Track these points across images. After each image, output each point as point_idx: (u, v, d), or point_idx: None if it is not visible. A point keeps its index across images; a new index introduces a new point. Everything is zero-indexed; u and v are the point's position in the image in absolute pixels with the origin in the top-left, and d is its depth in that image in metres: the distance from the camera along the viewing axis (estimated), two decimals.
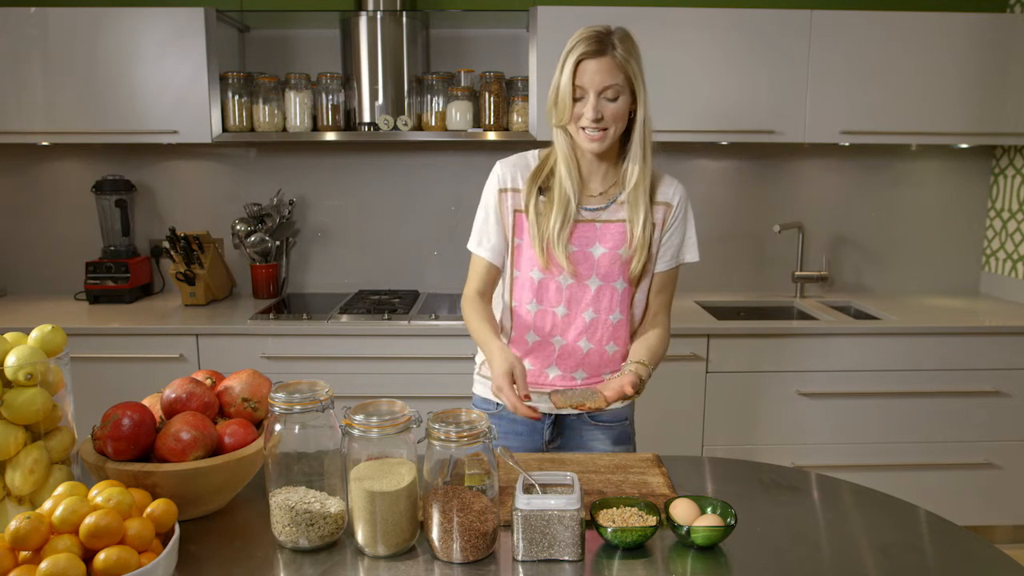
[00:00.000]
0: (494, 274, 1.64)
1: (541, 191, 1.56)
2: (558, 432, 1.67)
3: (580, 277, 1.56)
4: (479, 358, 1.73)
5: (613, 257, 1.55)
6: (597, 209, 1.56)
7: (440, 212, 3.11)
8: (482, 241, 1.62)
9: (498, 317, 1.66)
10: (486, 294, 1.64)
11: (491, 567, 1.09)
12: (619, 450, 1.67)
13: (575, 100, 1.46)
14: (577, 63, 1.45)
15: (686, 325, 2.57)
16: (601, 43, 1.44)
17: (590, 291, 1.57)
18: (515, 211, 1.58)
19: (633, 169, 1.52)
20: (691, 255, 1.64)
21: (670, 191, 1.59)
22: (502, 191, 1.59)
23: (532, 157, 1.61)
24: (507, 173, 1.59)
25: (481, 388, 1.71)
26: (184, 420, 1.18)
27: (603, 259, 1.55)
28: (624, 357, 1.63)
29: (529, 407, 1.38)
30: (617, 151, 1.56)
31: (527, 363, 1.61)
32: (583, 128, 1.48)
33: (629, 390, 1.40)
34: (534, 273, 1.57)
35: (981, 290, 3.20)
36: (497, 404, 1.67)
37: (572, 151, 1.54)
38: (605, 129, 1.47)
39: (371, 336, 2.57)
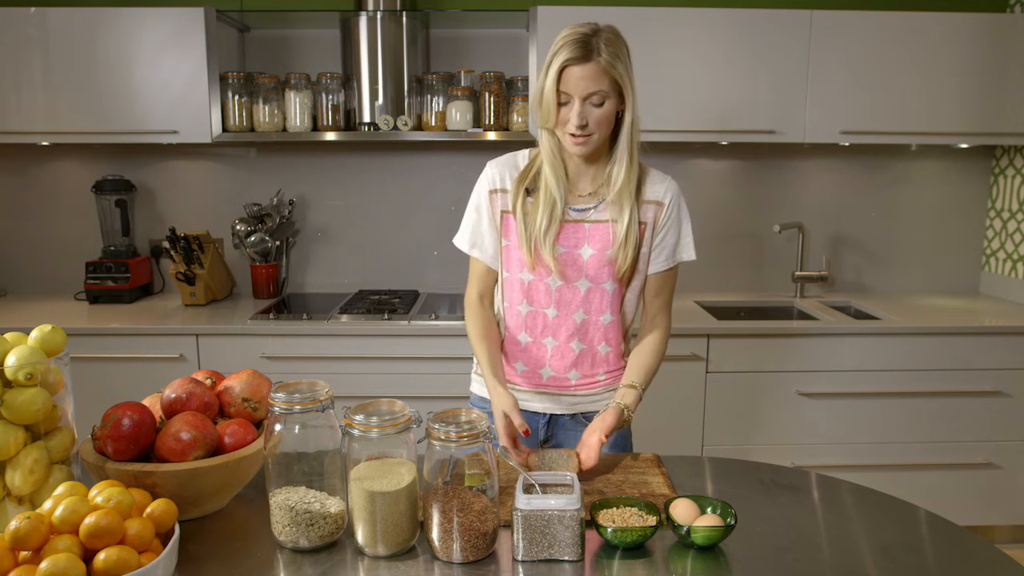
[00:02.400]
0: (493, 276, 1.64)
1: (528, 192, 1.54)
2: (551, 434, 1.66)
3: (568, 279, 1.55)
4: (475, 357, 1.73)
5: (601, 258, 1.53)
6: (585, 209, 1.54)
7: (440, 212, 3.11)
8: (477, 243, 1.61)
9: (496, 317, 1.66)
10: (487, 296, 1.64)
11: (491, 567, 1.09)
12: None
13: (560, 105, 1.44)
14: (561, 69, 1.41)
15: (686, 325, 2.57)
16: (586, 47, 1.40)
17: (580, 292, 1.56)
18: (503, 212, 1.57)
19: (619, 172, 1.50)
20: (687, 254, 1.61)
21: (660, 189, 1.56)
22: (492, 192, 1.58)
23: (522, 157, 1.60)
24: (496, 174, 1.58)
25: (478, 387, 1.71)
26: (184, 420, 1.18)
27: (591, 260, 1.54)
28: (618, 357, 1.63)
29: (517, 452, 1.41)
30: (606, 151, 1.53)
31: (520, 364, 1.62)
32: (569, 133, 1.45)
33: (603, 439, 1.40)
34: (523, 275, 1.56)
35: (981, 290, 3.20)
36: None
37: (558, 152, 1.52)
38: (590, 135, 1.45)
39: (371, 336, 2.57)
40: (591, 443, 1.40)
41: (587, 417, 1.65)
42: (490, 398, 1.51)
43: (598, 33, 1.42)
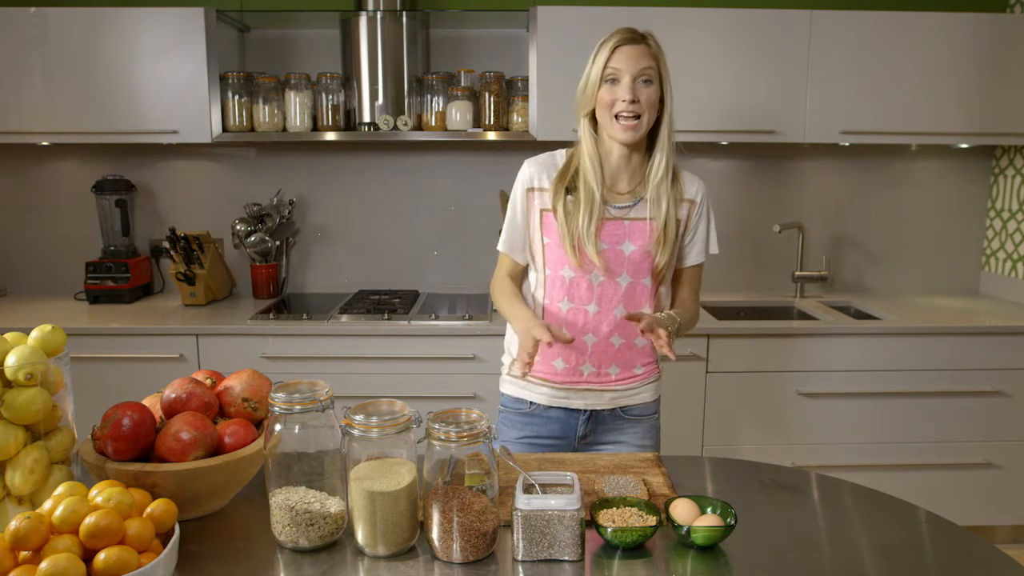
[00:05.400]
0: (520, 270, 1.70)
1: (568, 191, 1.58)
2: (591, 429, 1.68)
3: (612, 274, 1.58)
4: (506, 359, 1.75)
5: (644, 254, 1.58)
6: (625, 207, 1.59)
7: (440, 212, 3.11)
8: (507, 241, 1.67)
9: None
10: (515, 280, 1.70)
11: (491, 567, 1.09)
12: (648, 443, 1.70)
13: (608, 82, 1.51)
14: (614, 49, 1.51)
15: None
16: (636, 33, 1.53)
17: (621, 288, 1.59)
18: (542, 210, 1.60)
19: (659, 164, 1.56)
20: (714, 247, 1.70)
21: (693, 188, 1.65)
22: (529, 190, 1.62)
23: (560, 156, 1.64)
24: (534, 172, 1.62)
25: (511, 388, 1.72)
26: (184, 420, 1.18)
27: (634, 256, 1.58)
28: (652, 350, 1.68)
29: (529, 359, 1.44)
30: (644, 148, 1.59)
31: (560, 361, 1.63)
32: (616, 116, 1.51)
33: (664, 337, 1.43)
34: (565, 272, 1.59)
35: (981, 290, 3.20)
36: (530, 403, 1.68)
37: (596, 148, 1.57)
38: (639, 116, 1.50)
39: (371, 336, 2.57)
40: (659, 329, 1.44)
41: (625, 411, 1.68)
42: (515, 323, 1.54)
43: (642, 31, 1.55)
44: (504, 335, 1.79)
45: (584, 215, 1.54)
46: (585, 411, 1.66)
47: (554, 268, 1.61)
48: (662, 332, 1.41)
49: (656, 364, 1.71)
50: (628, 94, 1.49)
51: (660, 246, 1.57)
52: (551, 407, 1.67)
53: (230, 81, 2.75)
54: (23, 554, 0.95)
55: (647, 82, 1.50)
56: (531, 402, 1.68)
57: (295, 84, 2.77)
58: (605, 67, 1.50)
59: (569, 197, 1.57)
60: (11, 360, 1.13)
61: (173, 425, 1.18)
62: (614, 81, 1.50)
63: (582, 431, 1.68)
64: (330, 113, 2.79)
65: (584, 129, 1.57)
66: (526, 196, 1.62)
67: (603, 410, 1.67)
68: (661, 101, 1.54)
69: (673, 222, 1.58)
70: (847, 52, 2.70)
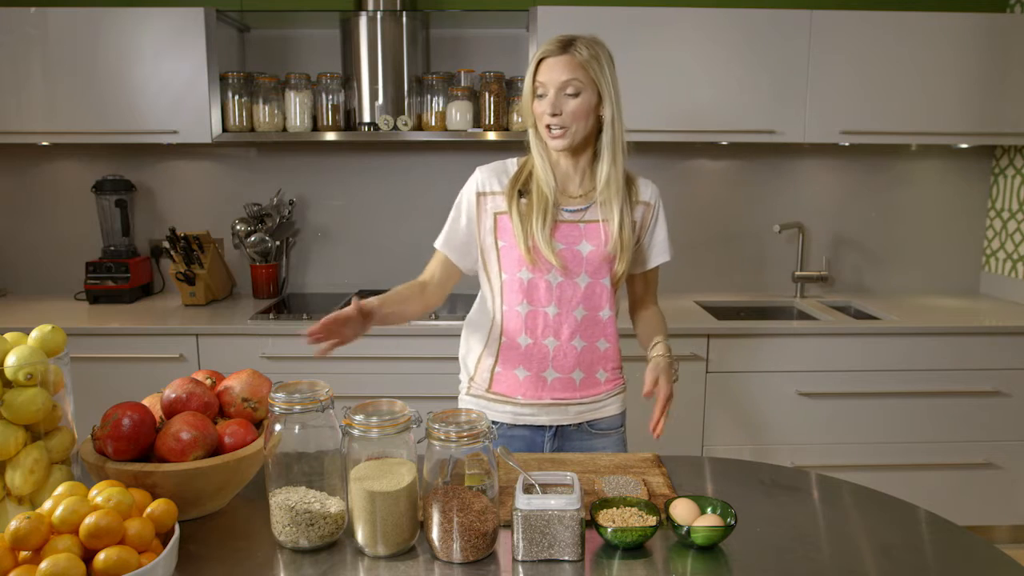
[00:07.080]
0: (449, 271, 1.67)
1: (521, 194, 1.58)
2: (558, 446, 1.66)
3: (570, 274, 1.57)
4: (464, 376, 1.72)
5: (601, 254, 1.57)
6: (578, 210, 1.58)
7: (440, 212, 3.04)
8: (448, 239, 1.66)
9: (487, 327, 1.65)
10: (430, 284, 1.67)
11: (491, 567, 1.09)
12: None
13: (536, 97, 1.52)
14: (539, 62, 1.51)
15: (686, 325, 2.57)
16: (564, 44, 1.50)
17: (580, 288, 1.58)
18: (495, 214, 1.59)
19: (603, 169, 1.55)
20: (671, 249, 1.71)
21: (648, 191, 1.65)
22: (481, 195, 1.61)
23: (511, 163, 1.64)
24: (486, 178, 1.62)
25: (472, 407, 1.69)
26: (184, 420, 1.18)
27: (592, 256, 1.57)
28: (616, 353, 1.65)
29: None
30: (591, 153, 1.59)
31: (522, 370, 1.61)
32: (547, 127, 1.51)
33: (668, 385, 1.48)
34: (522, 274, 1.57)
35: (981, 290, 3.20)
36: (494, 422, 1.66)
37: (546, 155, 1.58)
38: (565, 127, 1.50)
39: (371, 336, 2.54)
40: (663, 388, 1.46)
41: (592, 425, 1.65)
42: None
43: (578, 37, 1.51)
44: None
45: (538, 217, 1.54)
46: (551, 427, 1.63)
47: (511, 271, 1.59)
48: (663, 404, 1.46)
49: (621, 375, 1.68)
50: (549, 107, 1.49)
51: (619, 248, 1.57)
52: (515, 426, 1.63)
53: (230, 81, 2.75)
54: (23, 554, 0.95)
55: (572, 94, 1.49)
56: (493, 422, 1.65)
57: (295, 84, 2.77)
58: (534, 82, 1.51)
59: (523, 200, 1.57)
60: (11, 360, 1.13)
61: (173, 425, 1.18)
62: (542, 96, 1.51)
63: (548, 448, 1.65)
64: (330, 113, 2.79)
65: (532, 138, 1.58)
66: (477, 200, 1.61)
67: (569, 425, 1.64)
68: (602, 106, 1.52)
69: (629, 224, 1.58)
70: (847, 52, 2.70)
